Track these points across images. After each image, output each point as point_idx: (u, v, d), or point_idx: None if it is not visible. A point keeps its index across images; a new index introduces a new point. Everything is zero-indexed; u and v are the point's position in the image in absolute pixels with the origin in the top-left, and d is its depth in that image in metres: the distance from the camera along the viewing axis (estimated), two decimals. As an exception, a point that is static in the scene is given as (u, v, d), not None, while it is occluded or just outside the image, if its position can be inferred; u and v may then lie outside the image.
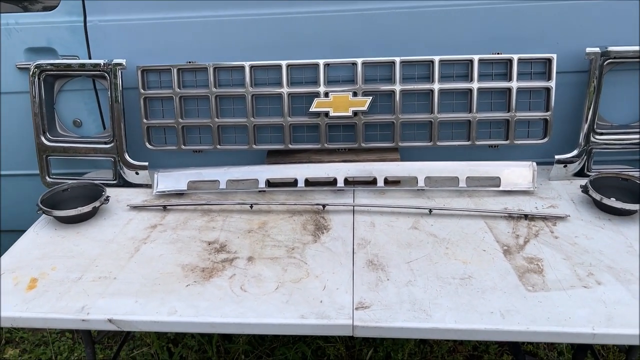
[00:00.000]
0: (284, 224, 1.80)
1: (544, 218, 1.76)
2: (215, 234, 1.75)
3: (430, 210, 1.81)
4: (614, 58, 1.83)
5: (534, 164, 1.91)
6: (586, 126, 1.90)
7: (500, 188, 1.91)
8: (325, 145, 1.99)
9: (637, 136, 1.94)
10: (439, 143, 1.98)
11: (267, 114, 2.02)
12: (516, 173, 1.91)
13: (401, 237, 1.70)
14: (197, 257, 1.63)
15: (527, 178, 1.91)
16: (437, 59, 1.90)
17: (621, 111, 1.99)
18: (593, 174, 1.96)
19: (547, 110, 1.93)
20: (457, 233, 1.71)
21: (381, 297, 1.44)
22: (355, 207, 1.86)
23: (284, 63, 1.93)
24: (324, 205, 1.85)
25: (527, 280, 1.48)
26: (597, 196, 1.75)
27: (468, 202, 1.88)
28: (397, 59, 1.91)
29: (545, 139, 1.96)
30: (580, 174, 1.97)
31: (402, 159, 2.06)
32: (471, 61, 1.90)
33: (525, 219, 1.77)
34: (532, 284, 1.47)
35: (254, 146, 2.01)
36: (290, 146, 2.00)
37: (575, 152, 1.93)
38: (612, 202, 1.74)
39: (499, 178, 1.91)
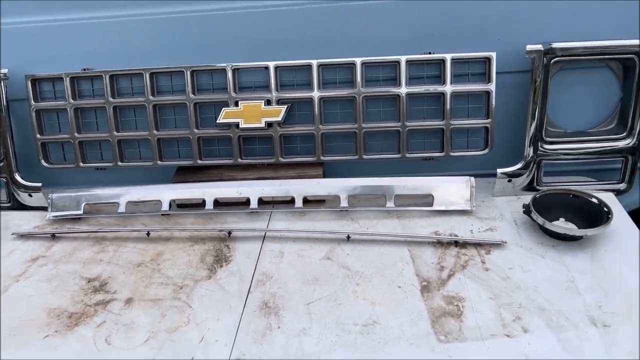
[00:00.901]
0: (181, 255, 1.58)
1: (478, 245, 1.52)
2: (100, 269, 1.53)
3: (349, 237, 1.57)
4: (562, 56, 1.57)
5: (472, 179, 1.66)
6: (532, 134, 1.65)
7: (433, 208, 1.67)
8: (239, 160, 1.76)
9: (597, 144, 1.68)
10: (365, 156, 1.74)
11: (173, 125, 1.79)
12: (452, 190, 1.67)
13: (309, 270, 1.47)
14: (70, 299, 1.42)
15: (464, 196, 1.66)
16: (359, 60, 1.65)
17: (576, 116, 1.74)
18: (543, 188, 1.71)
19: (488, 117, 1.68)
20: (373, 264, 1.48)
21: (265, 351, 1.22)
22: (267, 233, 1.63)
23: (187, 68, 1.69)
24: (229, 232, 1.62)
25: (441, 326, 1.25)
26: (540, 219, 1.50)
27: (395, 225, 1.64)
28: (315, 62, 1.67)
29: (486, 150, 1.71)
30: (531, 187, 1.73)
31: (329, 175, 1.83)
32: (398, 62, 1.65)
33: (456, 246, 1.53)
34: (445, 332, 1.24)
35: (159, 162, 1.79)
36: (200, 162, 1.77)
37: (519, 165, 1.68)
38: (555, 226, 1.50)
39: (431, 196, 1.67)
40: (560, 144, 1.68)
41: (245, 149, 1.79)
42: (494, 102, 1.66)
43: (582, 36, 1.59)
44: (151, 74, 1.72)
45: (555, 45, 1.55)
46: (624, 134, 1.66)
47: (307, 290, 1.39)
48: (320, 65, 1.67)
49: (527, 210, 1.55)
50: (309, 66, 1.67)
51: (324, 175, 1.82)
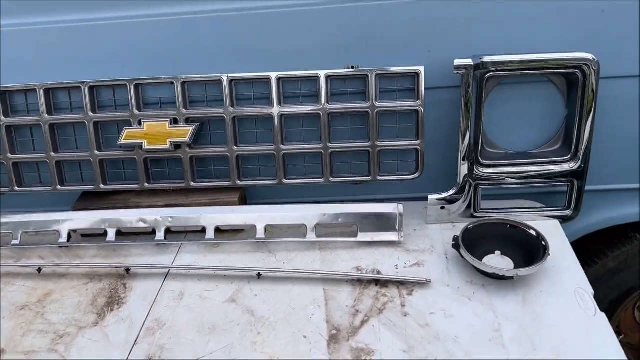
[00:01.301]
0: (71, 295, 1.41)
1: (400, 283, 1.36)
2: (-24, 313, 1.36)
3: (259, 274, 1.41)
4: (496, 71, 1.40)
5: (400, 207, 1.50)
6: (465, 156, 1.48)
7: (358, 239, 1.50)
8: (145, 185, 1.59)
9: (540, 167, 1.52)
10: (286, 180, 1.57)
11: (73, 146, 1.61)
12: (382, 219, 1.50)
13: (209, 316, 1.31)
14: None
15: (392, 225, 1.50)
16: (274, 75, 1.48)
17: (519, 135, 1.57)
18: (480, 216, 1.55)
19: (418, 137, 1.51)
20: (282, 308, 1.31)
21: (134, 423, 1.05)
22: (170, 270, 1.46)
23: (84, 83, 1.52)
24: (127, 269, 1.45)
25: (341, 389, 1.09)
26: (468, 257, 1.34)
27: (315, 258, 1.48)
28: (225, 76, 1.49)
29: (416, 175, 1.55)
30: (469, 214, 1.56)
31: (254, 199, 1.66)
32: (317, 78, 1.48)
33: (376, 285, 1.37)
34: (345, 396, 1.08)
35: (59, 187, 1.61)
36: (103, 187, 1.60)
37: (452, 191, 1.52)
38: (484, 265, 1.34)
39: (356, 225, 1.51)
40: (499, 166, 1.52)
41: (155, 172, 1.62)
42: (424, 121, 1.49)
43: (526, 48, 1.43)
44: (46, 90, 1.54)
45: (487, 59, 1.38)
46: (569, 155, 1.49)
47: (201, 342, 1.23)
48: (232, 80, 1.50)
49: (456, 244, 1.39)
50: (220, 81, 1.50)
51: (245, 201, 1.65)
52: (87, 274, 1.48)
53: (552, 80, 1.48)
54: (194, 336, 1.25)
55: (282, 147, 1.53)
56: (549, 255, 1.33)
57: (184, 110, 1.52)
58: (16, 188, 1.63)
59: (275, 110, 1.50)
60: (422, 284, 1.35)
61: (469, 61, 1.38)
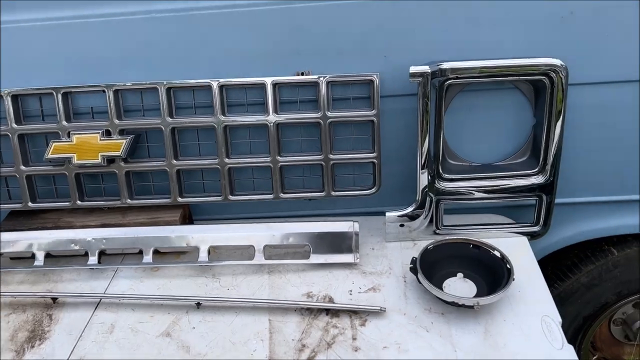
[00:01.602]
0: (-11, 329, 1.27)
1: (353, 312, 1.24)
2: None
3: (199, 304, 1.28)
4: (457, 78, 1.28)
5: (356, 225, 1.38)
6: (423, 170, 1.36)
7: (310, 261, 1.38)
8: (78, 202, 1.45)
9: (506, 181, 1.40)
10: (232, 197, 1.44)
11: (-2, 161, 1.46)
12: (336, 239, 1.38)
13: (139, 353, 1.18)
14: None
15: (348, 245, 1.38)
16: (215, 83, 1.34)
17: (484, 146, 1.46)
18: (443, 232, 1.44)
19: (374, 149, 1.39)
20: (221, 343, 1.19)
21: None
22: (102, 299, 1.32)
23: (5, 93, 1.37)
24: (54, 298, 1.31)
25: None
26: (425, 283, 1.23)
27: (263, 283, 1.35)
28: (162, 83, 1.35)
29: (373, 190, 1.42)
30: (431, 231, 1.45)
31: (200, 215, 1.53)
32: (264, 85, 1.34)
33: (327, 314, 1.24)
34: None
35: (-18, 206, 1.46)
36: (31, 205, 1.45)
37: (411, 208, 1.40)
38: (442, 293, 1.22)
39: (308, 246, 1.38)
40: (462, 180, 1.40)
41: (89, 188, 1.48)
42: (379, 132, 1.36)
43: (492, 53, 1.31)
44: (-34, 99, 1.39)
45: (445, 65, 1.26)
46: (537, 168, 1.38)
47: (128, 385, 1.10)
48: (170, 88, 1.36)
49: (413, 268, 1.27)
50: (156, 88, 1.36)
51: (190, 218, 1.52)
52: (10, 304, 1.34)
53: (518, 87, 1.36)
54: (120, 378, 1.12)
55: (227, 160, 1.40)
56: (514, 280, 1.21)
57: (116, 121, 1.38)
58: None
59: (219, 119, 1.36)
60: (377, 312, 1.23)
61: (425, 68, 1.25)
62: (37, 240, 1.40)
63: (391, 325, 1.21)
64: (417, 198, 1.38)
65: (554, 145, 1.33)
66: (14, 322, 1.29)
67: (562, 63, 1.26)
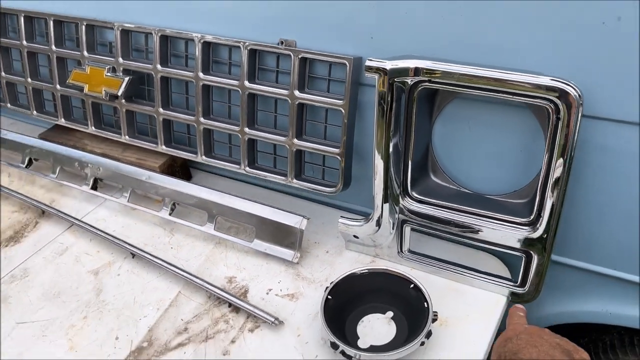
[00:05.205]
0: (-7, 220, 1.50)
1: (251, 315, 1.15)
2: None
3: (133, 255, 1.31)
4: (430, 82, 1.00)
5: (305, 222, 1.23)
6: (385, 184, 1.13)
7: (252, 245, 1.29)
8: (93, 129, 1.56)
9: (489, 225, 1.10)
10: (205, 157, 1.40)
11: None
12: (281, 230, 1.26)
13: (65, 281, 1.28)
14: None
15: (291, 240, 1.25)
16: (197, 37, 1.28)
17: (485, 172, 1.14)
18: (407, 257, 1.21)
19: (339, 144, 1.19)
20: (127, 298, 1.22)
21: None
22: (75, 223, 1.43)
23: (49, 16, 1.50)
24: (43, 211, 1.48)
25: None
26: (326, 334, 1.04)
27: (202, 252, 1.33)
28: (154, 29, 1.34)
29: (334, 189, 1.24)
30: (396, 251, 1.23)
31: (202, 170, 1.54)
32: (240, 48, 1.23)
33: (229, 307, 1.18)
34: None
35: (35, 113, 1.67)
36: (62, 121, 1.61)
37: (359, 223, 1.19)
38: (326, 332, 1.03)
39: (253, 229, 1.29)
40: (435, 206, 1.13)
41: (107, 117, 1.58)
42: (347, 126, 1.16)
43: (501, 57, 0.99)
44: (27, 17, 1.56)
45: (412, 63, 0.98)
46: (530, 217, 1.04)
47: (34, 307, 1.21)
48: (162, 36, 1.34)
49: (330, 290, 1.10)
50: (151, 34, 1.35)
51: (185, 168, 1.54)
52: (20, 204, 1.54)
53: (528, 106, 1.01)
54: (35, 298, 1.23)
55: (202, 120, 1.35)
56: (422, 345, 0.97)
57: (120, 60, 1.42)
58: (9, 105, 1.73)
59: (198, 76, 1.31)
60: (270, 323, 1.11)
61: (384, 63, 1.00)
62: (54, 153, 1.56)
63: (276, 342, 1.09)
64: (375, 213, 1.16)
65: (552, 194, 0.98)
66: (12, 220, 1.49)
67: (576, 88, 0.88)
